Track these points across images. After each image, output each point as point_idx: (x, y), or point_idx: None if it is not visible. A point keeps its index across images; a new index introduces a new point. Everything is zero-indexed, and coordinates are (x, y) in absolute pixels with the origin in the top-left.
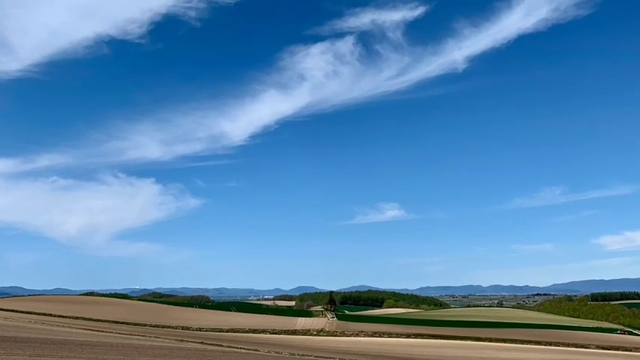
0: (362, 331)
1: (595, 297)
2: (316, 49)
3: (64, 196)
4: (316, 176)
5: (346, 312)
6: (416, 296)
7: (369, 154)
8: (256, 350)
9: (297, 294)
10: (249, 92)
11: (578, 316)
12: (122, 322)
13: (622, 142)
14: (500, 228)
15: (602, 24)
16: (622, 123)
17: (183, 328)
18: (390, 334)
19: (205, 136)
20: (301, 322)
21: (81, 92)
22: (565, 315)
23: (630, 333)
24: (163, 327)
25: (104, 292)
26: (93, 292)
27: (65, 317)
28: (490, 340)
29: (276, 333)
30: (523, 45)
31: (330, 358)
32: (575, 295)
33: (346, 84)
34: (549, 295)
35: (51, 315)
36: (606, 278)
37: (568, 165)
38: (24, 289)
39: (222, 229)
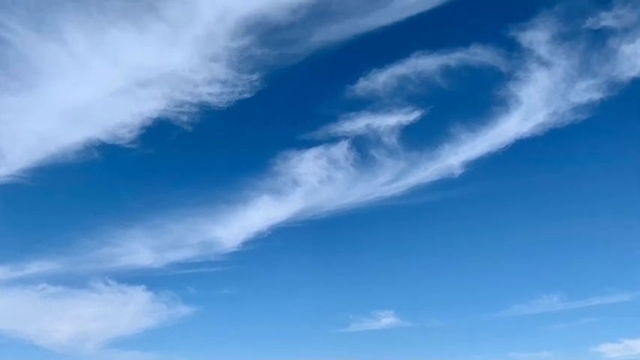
0: None
1: None
2: (310, 154)
3: (54, 304)
4: (310, 283)
5: None
6: None
7: (364, 260)
8: None
9: None
10: (241, 198)
11: None
12: None
13: (621, 249)
14: (497, 335)
15: (601, 129)
16: (621, 229)
17: None
18: None
19: (197, 243)
20: None
21: (71, 198)
22: None
23: None
24: None
25: None
26: None
27: None
28: None
29: None
30: (520, 150)
31: None
32: None
33: (340, 189)
34: None
35: None
36: None
37: (566, 271)
38: None
39: (214, 336)
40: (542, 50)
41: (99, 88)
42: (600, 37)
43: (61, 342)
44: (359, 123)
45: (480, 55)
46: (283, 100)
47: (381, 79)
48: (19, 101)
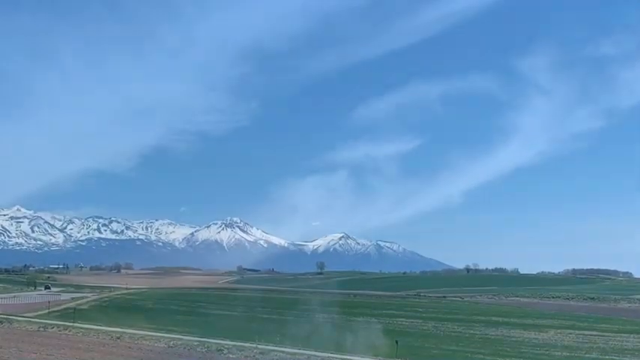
0: None
1: None
2: (309, 182)
3: None
4: None
5: None
6: None
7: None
8: None
9: None
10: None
11: None
12: None
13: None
14: None
15: (600, 156)
16: (621, 257)
17: None
18: None
19: None
20: None
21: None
22: None
23: None
24: None
25: None
26: None
27: None
28: None
29: None
30: (519, 177)
31: None
32: None
33: (339, 217)
34: None
35: None
36: None
37: None
38: None
39: None
40: (542, 78)
41: (97, 116)
42: (600, 63)
43: None
44: (358, 151)
45: (479, 82)
46: (281, 128)
47: (380, 107)
48: (17, 129)
